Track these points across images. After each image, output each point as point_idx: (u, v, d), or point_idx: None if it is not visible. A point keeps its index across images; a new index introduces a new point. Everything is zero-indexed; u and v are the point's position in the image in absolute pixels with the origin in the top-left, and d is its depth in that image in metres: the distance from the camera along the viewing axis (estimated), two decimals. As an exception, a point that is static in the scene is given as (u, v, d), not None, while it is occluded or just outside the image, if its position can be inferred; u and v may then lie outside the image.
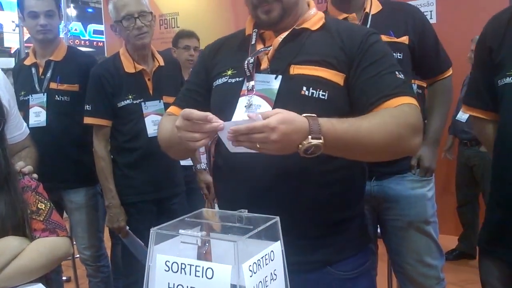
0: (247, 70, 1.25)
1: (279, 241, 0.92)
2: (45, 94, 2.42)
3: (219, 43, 1.43)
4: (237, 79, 1.28)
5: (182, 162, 2.61)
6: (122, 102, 2.24)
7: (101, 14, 6.81)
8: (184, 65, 2.98)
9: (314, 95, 1.19)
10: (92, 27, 7.98)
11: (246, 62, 1.25)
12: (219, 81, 1.32)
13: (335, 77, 1.20)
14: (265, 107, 1.20)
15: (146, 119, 2.27)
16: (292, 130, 1.02)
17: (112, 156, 2.31)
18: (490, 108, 1.48)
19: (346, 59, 1.21)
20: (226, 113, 1.22)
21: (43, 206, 1.45)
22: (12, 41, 8.06)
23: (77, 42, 7.94)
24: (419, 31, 1.83)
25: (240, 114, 1.22)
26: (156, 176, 2.29)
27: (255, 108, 1.21)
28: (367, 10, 1.81)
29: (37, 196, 1.45)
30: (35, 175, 1.54)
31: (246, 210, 0.98)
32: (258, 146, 1.02)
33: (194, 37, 3.45)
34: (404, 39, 1.80)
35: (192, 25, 5.31)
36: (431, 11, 4.15)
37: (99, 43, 7.97)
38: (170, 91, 2.36)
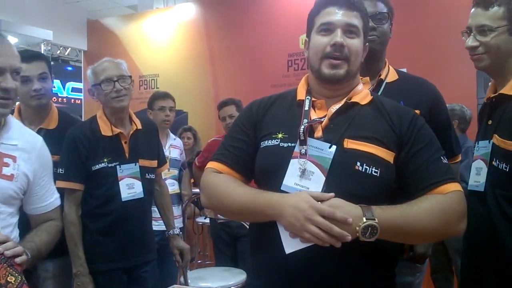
0: (302, 135, 1.27)
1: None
2: None
3: (268, 102, 1.42)
4: (289, 144, 1.29)
5: (156, 227, 2.55)
6: (97, 166, 2.20)
7: (81, 72, 6.88)
8: (160, 126, 2.97)
9: (368, 171, 1.23)
10: (70, 84, 8.00)
11: (302, 127, 1.28)
12: (269, 142, 1.33)
13: (386, 155, 1.26)
14: (318, 175, 1.24)
15: (120, 182, 2.22)
16: (346, 210, 1.14)
17: (82, 222, 2.22)
18: None
19: (396, 138, 1.28)
20: (275, 175, 1.26)
21: (13, 279, 1.36)
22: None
23: (54, 99, 7.92)
24: (432, 108, 1.77)
25: (291, 177, 1.25)
26: (128, 242, 2.21)
27: (308, 174, 1.24)
28: (382, 77, 1.79)
29: (8, 269, 1.37)
30: (21, 258, 1.41)
31: None
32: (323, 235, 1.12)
33: (169, 97, 3.48)
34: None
35: (171, 86, 5.40)
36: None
37: (76, 100, 7.96)
38: (146, 154, 2.35)
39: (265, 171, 1.31)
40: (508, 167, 1.46)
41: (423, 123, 1.33)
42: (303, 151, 1.26)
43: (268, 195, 1.25)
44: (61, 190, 2.19)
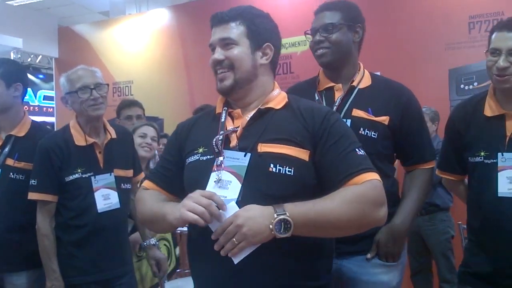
0: (215, 147, 1.34)
1: None
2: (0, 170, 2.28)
3: (191, 122, 1.52)
4: (208, 156, 1.36)
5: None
6: (71, 176, 2.14)
7: (52, 79, 6.75)
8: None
9: (281, 171, 1.27)
10: (42, 92, 7.84)
11: (214, 139, 1.35)
12: (191, 158, 1.40)
13: (300, 153, 1.30)
14: (235, 182, 1.29)
15: (96, 193, 2.17)
16: (255, 213, 1.19)
17: (56, 234, 2.16)
18: (459, 173, 1.96)
19: (309, 136, 1.32)
20: (199, 188, 1.29)
21: None
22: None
23: (26, 108, 7.75)
24: (403, 112, 1.77)
25: (211, 189, 1.30)
26: (103, 254, 2.16)
27: (226, 184, 1.29)
28: (355, 83, 1.81)
29: None
30: None
31: None
32: (235, 241, 1.17)
33: (136, 105, 3.39)
34: (383, 119, 1.75)
35: (146, 92, 5.35)
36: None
37: (49, 108, 7.81)
38: (121, 164, 2.30)
39: (189, 185, 1.37)
40: None
41: (337, 119, 1.37)
42: (219, 162, 1.32)
43: (169, 204, 1.37)
44: (35, 203, 2.15)
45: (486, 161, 1.77)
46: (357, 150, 1.31)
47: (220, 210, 1.22)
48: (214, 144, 1.35)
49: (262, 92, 1.41)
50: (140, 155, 2.72)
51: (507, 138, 1.74)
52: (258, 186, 1.27)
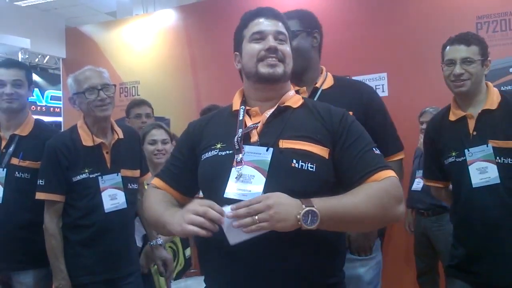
0: (236, 144, 1.34)
1: None
2: (5, 169, 2.31)
3: (205, 120, 1.53)
4: (227, 152, 1.36)
5: (138, 242, 2.51)
6: (78, 177, 2.16)
7: (60, 79, 6.79)
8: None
9: (304, 167, 1.29)
10: (49, 93, 7.89)
11: (236, 136, 1.35)
12: (209, 154, 1.39)
13: (321, 151, 1.33)
14: (259, 177, 1.29)
15: (103, 193, 2.18)
16: (285, 201, 1.17)
17: (63, 234, 2.17)
18: (441, 179, 2.21)
19: (328, 134, 1.35)
20: (217, 183, 1.31)
21: None
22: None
23: (33, 108, 7.81)
24: (366, 107, 1.84)
25: (232, 185, 1.30)
26: (110, 254, 2.17)
27: (248, 178, 1.29)
28: (318, 85, 1.90)
29: None
30: None
31: None
32: (257, 219, 1.13)
33: (145, 104, 3.45)
34: None
35: (153, 93, 5.36)
36: (382, 85, 4.36)
37: (56, 109, 7.85)
38: (129, 164, 2.32)
39: (206, 181, 1.37)
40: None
41: (353, 119, 1.41)
42: (239, 159, 1.32)
43: (169, 211, 1.34)
44: (41, 202, 2.17)
45: (457, 159, 2.01)
46: (374, 149, 1.36)
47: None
48: (236, 141, 1.34)
49: (284, 91, 1.45)
50: (155, 162, 2.73)
51: (471, 136, 1.99)
52: (281, 181, 1.27)
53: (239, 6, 5.30)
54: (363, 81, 4.47)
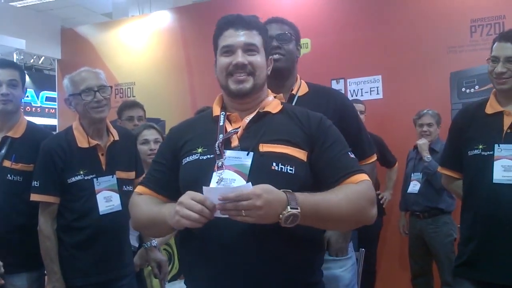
0: (217, 149, 1.37)
1: None
2: None
3: (186, 125, 1.56)
4: (208, 156, 1.39)
5: (133, 242, 2.51)
6: (73, 178, 2.15)
7: (55, 80, 6.77)
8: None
9: (283, 170, 1.33)
10: (44, 94, 7.86)
11: (217, 142, 1.38)
12: (190, 158, 1.41)
13: (299, 154, 1.37)
14: (239, 180, 1.32)
15: (98, 195, 2.18)
16: (274, 199, 1.20)
17: (57, 236, 2.16)
18: (458, 170, 2.17)
19: (306, 138, 1.40)
20: (198, 187, 1.29)
21: None
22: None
23: (28, 109, 7.77)
24: (340, 113, 1.89)
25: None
26: (105, 256, 2.17)
27: (229, 182, 1.32)
28: (294, 92, 1.96)
29: None
30: None
31: None
32: (243, 214, 1.16)
33: (138, 107, 3.42)
34: None
35: (148, 94, 5.35)
36: (377, 88, 4.38)
37: (51, 110, 7.82)
38: (124, 166, 2.31)
39: (188, 184, 1.37)
40: None
41: (330, 124, 1.46)
42: (220, 164, 1.35)
43: (166, 206, 1.37)
44: (34, 204, 2.16)
45: (483, 153, 2.00)
46: (349, 153, 1.41)
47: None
48: (217, 147, 1.37)
49: (261, 98, 1.49)
50: (148, 163, 2.72)
51: (504, 132, 1.98)
52: (263, 183, 1.26)
53: (234, 8, 5.31)
54: (359, 83, 4.52)
